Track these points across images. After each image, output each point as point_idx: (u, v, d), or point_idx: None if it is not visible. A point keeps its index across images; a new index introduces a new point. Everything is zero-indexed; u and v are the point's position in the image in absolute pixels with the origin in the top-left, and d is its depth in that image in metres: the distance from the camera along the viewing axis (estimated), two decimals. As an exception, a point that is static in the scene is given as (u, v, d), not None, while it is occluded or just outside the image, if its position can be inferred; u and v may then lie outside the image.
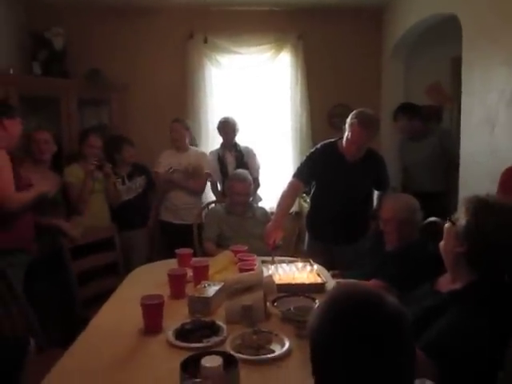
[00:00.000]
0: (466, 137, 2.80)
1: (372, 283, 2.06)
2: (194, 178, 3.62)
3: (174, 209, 3.63)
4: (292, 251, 3.24)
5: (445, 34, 3.41)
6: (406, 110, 3.67)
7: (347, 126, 2.61)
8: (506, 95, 2.37)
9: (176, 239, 3.09)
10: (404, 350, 0.87)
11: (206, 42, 4.20)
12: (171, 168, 3.58)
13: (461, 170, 2.84)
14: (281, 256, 2.56)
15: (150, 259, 3.18)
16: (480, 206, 1.43)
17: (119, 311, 1.90)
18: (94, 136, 3.34)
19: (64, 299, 2.83)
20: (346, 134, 2.62)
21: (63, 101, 3.70)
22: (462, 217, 1.45)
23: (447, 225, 1.51)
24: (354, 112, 2.61)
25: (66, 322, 2.74)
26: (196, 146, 3.96)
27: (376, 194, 2.90)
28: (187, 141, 3.71)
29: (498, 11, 2.46)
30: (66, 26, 3.87)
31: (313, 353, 0.91)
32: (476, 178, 2.60)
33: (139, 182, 3.60)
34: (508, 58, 2.37)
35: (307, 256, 2.54)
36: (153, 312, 1.68)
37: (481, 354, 1.31)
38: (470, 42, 2.78)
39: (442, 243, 1.54)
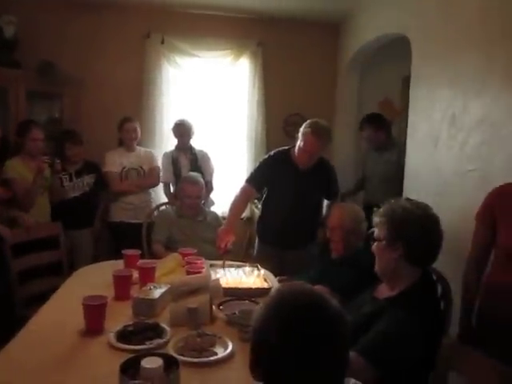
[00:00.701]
0: (411, 152, 2.93)
1: (317, 288, 2.11)
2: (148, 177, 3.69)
3: (131, 208, 3.58)
4: (242, 256, 3.26)
5: (399, 52, 3.56)
6: (373, 120, 3.72)
7: (300, 134, 2.67)
8: (448, 115, 2.51)
9: (128, 240, 3.02)
10: (342, 348, 0.91)
11: (162, 42, 4.17)
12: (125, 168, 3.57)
13: (405, 183, 2.96)
14: (231, 260, 2.57)
15: (96, 260, 3.09)
16: (388, 210, 1.58)
17: (61, 310, 1.85)
18: (36, 128, 3.18)
19: (3, 297, 2.71)
20: (299, 142, 2.67)
21: (11, 92, 3.56)
22: (380, 229, 1.58)
23: (374, 245, 1.62)
24: (308, 122, 2.67)
25: (4, 322, 2.62)
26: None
27: (325, 202, 2.98)
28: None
29: (444, 34, 2.60)
30: (18, 15, 3.71)
31: (256, 348, 0.93)
32: (420, 191, 2.72)
33: (87, 180, 3.51)
34: (452, 79, 2.51)
35: (257, 261, 2.57)
36: (94, 313, 1.64)
37: (415, 356, 1.39)
38: (418, 62, 2.91)
39: (376, 266, 1.63)
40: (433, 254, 1.56)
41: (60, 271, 2.89)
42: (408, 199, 1.63)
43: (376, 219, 1.62)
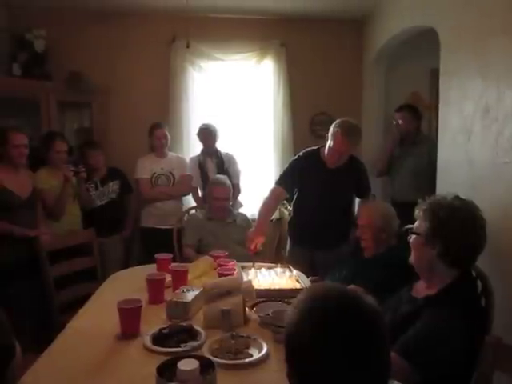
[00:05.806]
0: (443, 145, 2.86)
1: (351, 288, 2.08)
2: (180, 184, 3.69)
3: (162, 214, 3.60)
4: (273, 257, 3.25)
5: (425, 45, 3.48)
6: (411, 107, 3.69)
7: (330, 134, 2.64)
8: (481, 106, 2.43)
9: (159, 245, 3.04)
10: (382, 349, 0.86)
11: (188, 46, 4.18)
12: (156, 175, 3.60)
13: (438, 177, 2.89)
14: (261, 262, 2.56)
15: (126, 266, 3.13)
16: (434, 204, 1.51)
17: (97, 315, 1.89)
18: (59, 141, 3.23)
19: (41, 304, 2.78)
20: (329, 142, 2.64)
21: (43, 103, 3.64)
22: (421, 222, 1.51)
23: (412, 238, 1.56)
24: (337, 121, 2.63)
25: (42, 328, 2.69)
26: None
27: (357, 201, 2.93)
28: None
29: (472, 25, 2.52)
30: (47, 29, 3.82)
31: (291, 354, 0.89)
32: (453, 185, 2.64)
33: (112, 187, 3.57)
34: (483, 70, 2.43)
35: (289, 262, 2.56)
36: (130, 316, 1.66)
37: (456, 355, 1.34)
38: (447, 54, 2.84)
39: (411, 258, 1.58)
40: (470, 258, 1.50)
41: (93, 277, 2.93)
42: (458, 197, 1.53)
43: (419, 211, 1.55)
